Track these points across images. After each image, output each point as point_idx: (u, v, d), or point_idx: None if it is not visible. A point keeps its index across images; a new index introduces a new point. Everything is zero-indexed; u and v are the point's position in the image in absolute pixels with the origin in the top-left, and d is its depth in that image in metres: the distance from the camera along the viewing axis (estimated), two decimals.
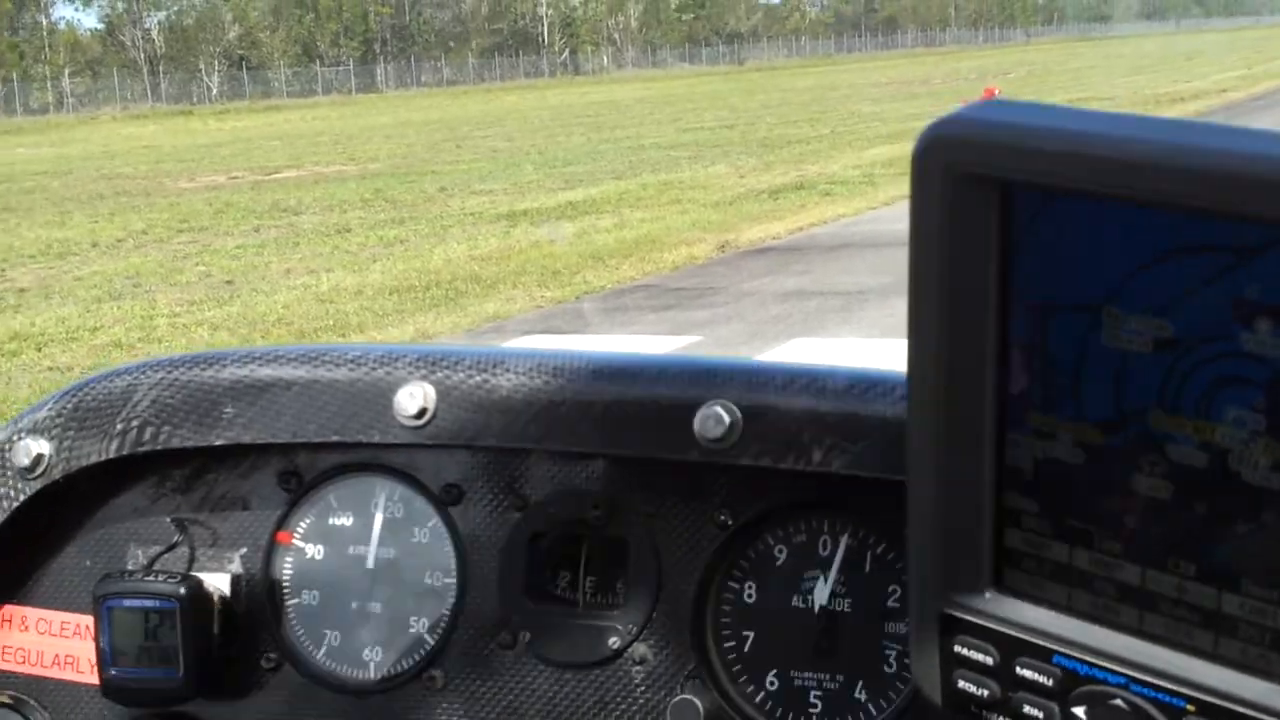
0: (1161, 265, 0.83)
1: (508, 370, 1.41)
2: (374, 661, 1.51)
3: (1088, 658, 0.91)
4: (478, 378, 1.41)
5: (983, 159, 0.87)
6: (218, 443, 1.48)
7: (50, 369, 9.81)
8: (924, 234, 0.91)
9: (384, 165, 26.28)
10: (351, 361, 1.46)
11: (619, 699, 1.43)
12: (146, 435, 1.49)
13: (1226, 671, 0.85)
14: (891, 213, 15.11)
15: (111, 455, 1.50)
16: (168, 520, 1.56)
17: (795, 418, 1.30)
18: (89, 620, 1.53)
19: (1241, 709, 0.84)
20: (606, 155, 25.37)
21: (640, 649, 1.42)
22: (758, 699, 1.39)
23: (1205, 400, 0.83)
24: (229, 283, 13.43)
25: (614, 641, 1.43)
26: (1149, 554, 0.88)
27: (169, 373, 1.50)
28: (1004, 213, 0.88)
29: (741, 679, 1.40)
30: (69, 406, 1.52)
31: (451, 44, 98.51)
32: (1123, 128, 0.83)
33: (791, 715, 1.38)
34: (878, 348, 8.40)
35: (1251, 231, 0.78)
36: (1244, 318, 0.80)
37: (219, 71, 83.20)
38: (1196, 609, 0.87)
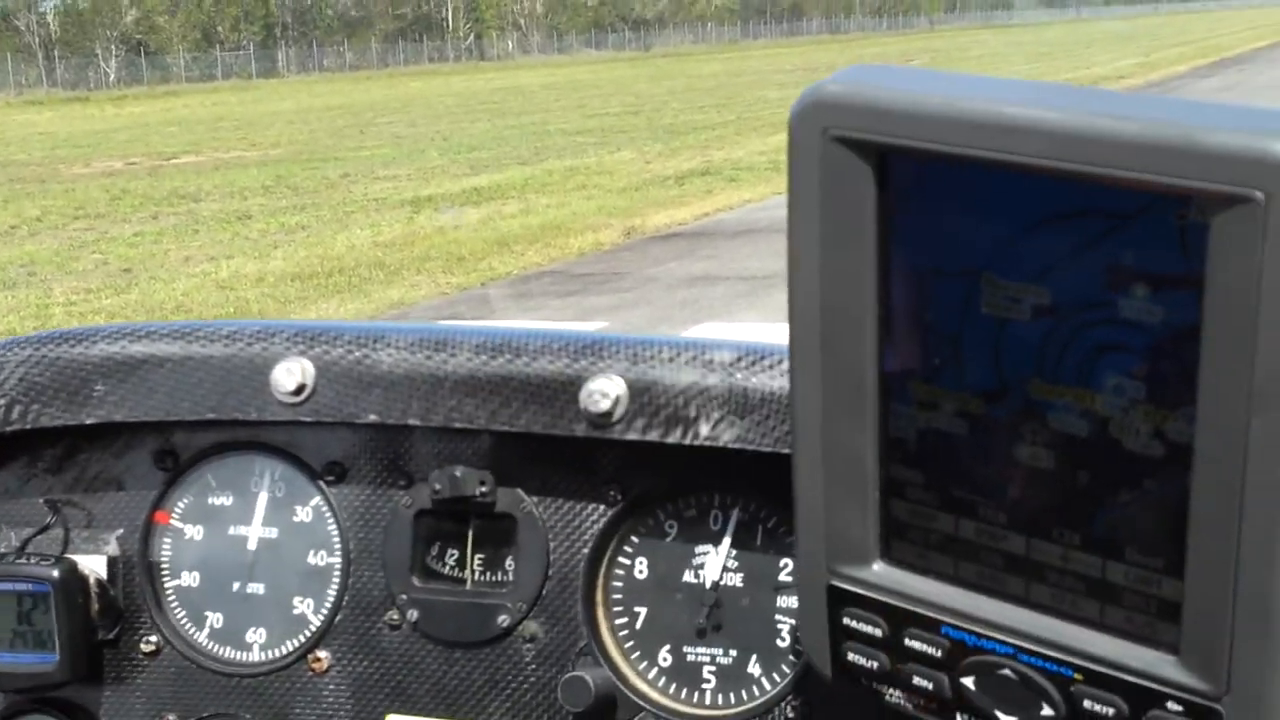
0: (1038, 231, 0.83)
1: (389, 345, 1.38)
2: (258, 643, 1.48)
3: (975, 628, 0.91)
4: (358, 353, 1.39)
5: (857, 123, 0.87)
6: (89, 421, 1.45)
7: None
8: (801, 201, 0.91)
9: (285, 151, 25.96)
10: (226, 337, 1.43)
11: (509, 677, 1.41)
12: (15, 414, 1.45)
13: (1112, 640, 0.86)
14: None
15: None
16: (40, 501, 1.53)
17: (682, 391, 1.29)
18: None
19: (1128, 676, 0.84)
20: (512, 141, 25.24)
21: (530, 626, 1.40)
22: (650, 675, 1.38)
23: (1085, 368, 0.83)
24: (127, 270, 13.20)
25: (503, 619, 1.41)
26: (1033, 524, 0.88)
27: (37, 349, 1.46)
28: (881, 178, 0.88)
29: (634, 655, 1.39)
30: None
31: (354, 28, 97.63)
32: (995, 91, 0.83)
33: (685, 691, 1.37)
34: (780, 331, 8.41)
35: (1125, 197, 0.78)
36: (1120, 284, 0.80)
37: (116, 56, 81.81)
38: (1082, 578, 0.87)
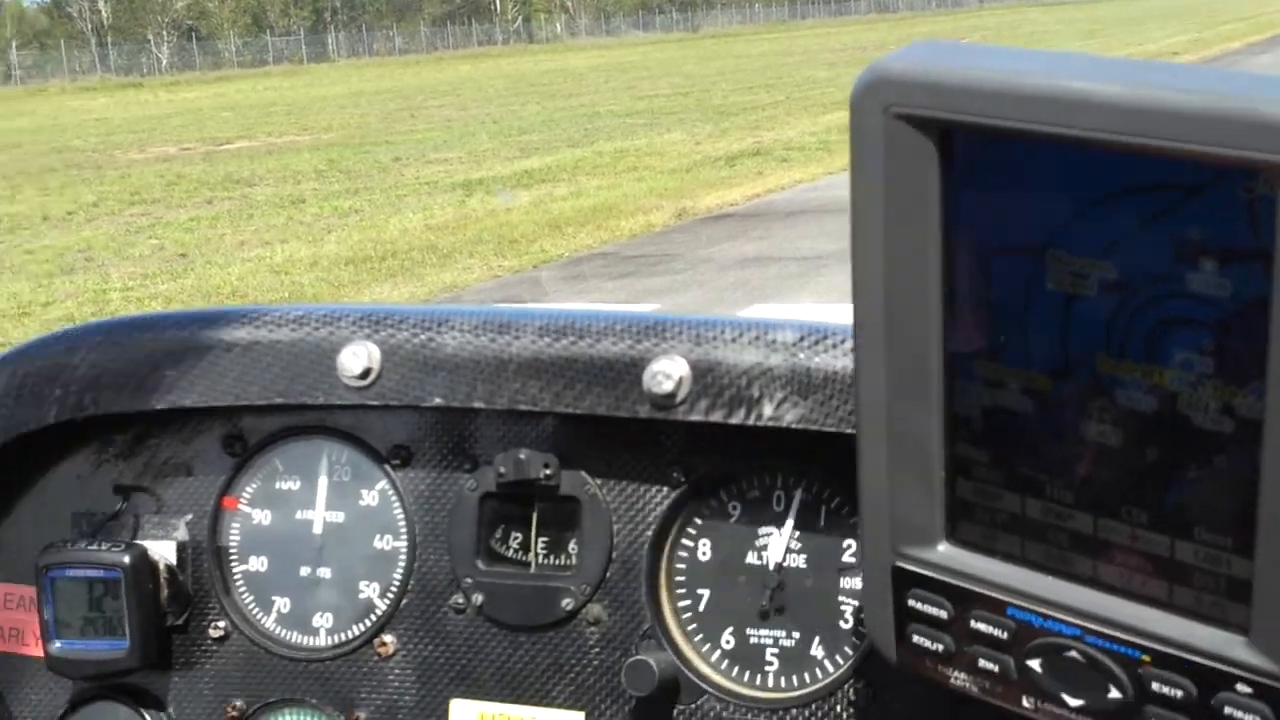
0: (1104, 207, 0.82)
1: (453, 328, 1.39)
2: (324, 628, 1.50)
3: (1042, 609, 0.91)
4: (423, 336, 1.39)
5: (921, 100, 0.86)
6: (159, 407, 1.46)
7: (1, 345, 9.68)
8: (864, 180, 0.90)
9: (337, 135, 26.04)
10: (294, 322, 1.43)
11: (573, 660, 1.41)
12: (86, 401, 1.47)
13: (1181, 620, 0.85)
14: (848, 178, 15.04)
15: (50, 421, 1.48)
16: (110, 488, 1.54)
17: (745, 371, 1.29)
18: (33, 592, 1.50)
19: (1196, 658, 0.84)
20: (561, 123, 25.21)
21: (594, 609, 1.41)
22: (713, 657, 1.38)
23: (1152, 343, 0.82)
24: (182, 255, 13.30)
25: (567, 603, 1.41)
26: (1101, 502, 0.88)
27: (108, 336, 1.47)
28: (944, 155, 0.87)
29: (697, 637, 1.39)
30: (6, 374, 1.48)
31: (403, 12, 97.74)
32: (1059, 65, 0.83)
33: (748, 673, 1.37)
34: (836, 312, 8.37)
35: (1192, 171, 0.77)
36: (1188, 258, 0.79)
37: (168, 43, 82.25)
38: (1150, 557, 0.86)
